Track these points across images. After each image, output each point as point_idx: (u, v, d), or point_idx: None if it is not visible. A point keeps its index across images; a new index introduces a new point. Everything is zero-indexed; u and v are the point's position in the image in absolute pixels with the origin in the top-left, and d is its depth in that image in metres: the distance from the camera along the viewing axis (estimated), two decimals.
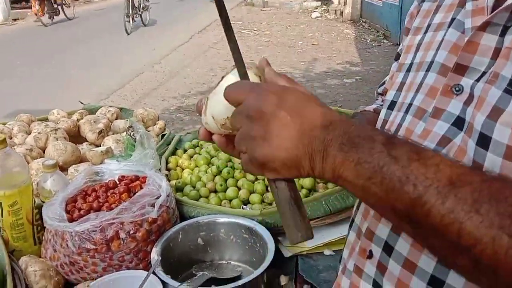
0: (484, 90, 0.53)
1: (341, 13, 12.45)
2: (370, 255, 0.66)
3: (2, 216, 1.10)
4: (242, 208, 1.24)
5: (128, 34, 10.44)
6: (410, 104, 0.64)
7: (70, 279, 1.05)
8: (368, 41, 9.38)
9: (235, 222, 1.10)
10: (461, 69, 0.57)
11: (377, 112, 0.85)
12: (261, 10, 15.14)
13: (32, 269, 1.02)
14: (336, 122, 0.50)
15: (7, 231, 1.12)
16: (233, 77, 0.58)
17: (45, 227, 1.16)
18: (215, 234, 1.11)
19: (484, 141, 0.51)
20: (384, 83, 0.89)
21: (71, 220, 1.05)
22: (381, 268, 0.64)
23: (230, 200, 1.30)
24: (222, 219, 1.11)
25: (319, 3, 14.53)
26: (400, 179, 0.44)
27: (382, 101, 0.87)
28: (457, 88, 0.57)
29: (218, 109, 0.58)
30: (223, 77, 0.60)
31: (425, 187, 0.43)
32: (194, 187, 1.38)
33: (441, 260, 0.51)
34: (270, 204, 1.25)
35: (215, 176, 1.39)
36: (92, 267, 1.00)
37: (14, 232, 1.12)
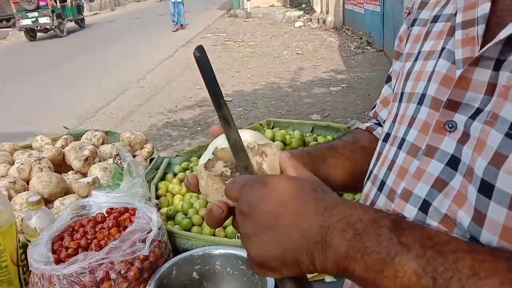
0: (484, 132, 0.49)
1: (324, 21, 12.55)
2: None
3: None
4: (238, 236, 1.20)
5: None
6: (403, 139, 0.61)
7: None
8: (352, 48, 9.46)
9: (231, 254, 1.06)
10: (453, 105, 0.53)
11: (369, 130, 0.83)
12: (244, 21, 15.21)
13: None
14: (331, 207, 0.45)
15: None
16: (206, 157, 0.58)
17: None
18: (211, 267, 1.07)
19: (486, 189, 0.46)
20: (375, 106, 0.86)
21: (58, 261, 0.99)
22: None
23: (225, 228, 1.25)
24: (217, 251, 1.07)
25: (301, 12, 14.66)
26: (416, 272, 0.39)
27: (377, 122, 0.84)
28: (450, 125, 0.53)
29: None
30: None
31: (445, 280, 0.38)
32: (186, 214, 1.34)
33: None
34: None
35: (207, 202, 1.35)
36: None
37: None
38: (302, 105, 5.91)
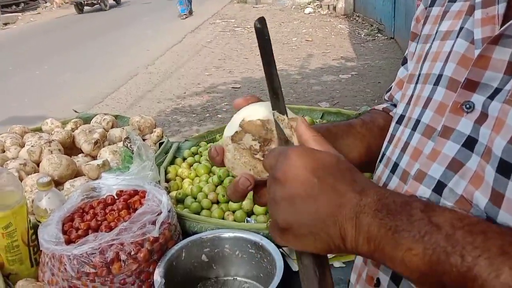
0: (503, 111, 0.48)
1: (334, 8, 12.39)
2: (377, 283, 0.62)
3: None
4: (247, 220, 1.20)
5: None
6: (418, 121, 0.60)
7: None
8: (362, 36, 9.34)
9: (240, 237, 1.06)
10: (471, 85, 0.52)
11: (386, 111, 0.82)
12: (253, 7, 15.07)
13: None
14: (369, 188, 0.46)
15: (1, 254, 1.07)
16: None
17: None
18: (220, 250, 1.07)
19: (505, 168, 0.46)
20: (390, 89, 0.85)
21: (68, 241, 1.00)
22: None
23: (234, 212, 1.25)
24: (227, 234, 1.07)
25: None
26: (445, 250, 0.39)
27: (393, 104, 0.83)
28: (467, 105, 0.52)
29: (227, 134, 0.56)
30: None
31: (474, 258, 0.38)
32: (195, 198, 1.34)
33: None
34: None
35: (216, 186, 1.35)
36: None
37: (9, 255, 1.07)
38: (311, 92, 5.87)
